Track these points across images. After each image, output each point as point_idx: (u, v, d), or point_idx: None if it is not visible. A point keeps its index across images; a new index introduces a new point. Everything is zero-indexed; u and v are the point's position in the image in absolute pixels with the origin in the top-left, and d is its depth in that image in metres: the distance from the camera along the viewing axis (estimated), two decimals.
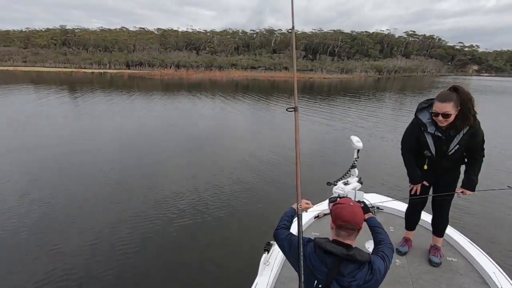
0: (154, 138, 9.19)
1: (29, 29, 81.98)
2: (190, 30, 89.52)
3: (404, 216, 2.72)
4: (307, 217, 2.94)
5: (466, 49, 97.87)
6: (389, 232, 2.86)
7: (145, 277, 3.30)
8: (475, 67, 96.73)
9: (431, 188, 2.44)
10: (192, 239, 4.02)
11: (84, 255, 3.64)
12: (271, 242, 2.35)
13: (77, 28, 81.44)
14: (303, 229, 2.82)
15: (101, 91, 22.13)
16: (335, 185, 3.28)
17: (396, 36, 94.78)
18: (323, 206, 3.07)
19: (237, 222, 4.48)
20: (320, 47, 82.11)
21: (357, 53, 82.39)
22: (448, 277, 2.24)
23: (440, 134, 2.13)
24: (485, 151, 2.18)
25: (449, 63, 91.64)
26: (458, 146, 2.10)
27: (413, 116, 2.29)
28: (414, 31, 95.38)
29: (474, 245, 2.51)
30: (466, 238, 2.61)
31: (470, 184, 2.22)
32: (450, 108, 1.98)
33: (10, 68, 50.03)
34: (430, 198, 2.48)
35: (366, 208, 1.79)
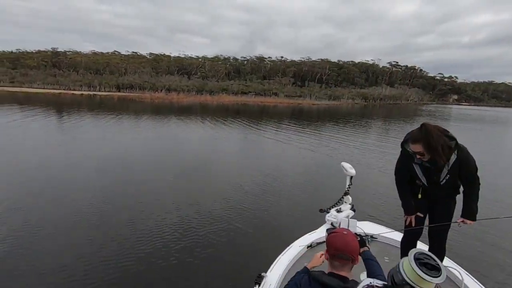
0: (140, 164, 8.88)
1: (20, 51, 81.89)
2: (182, 56, 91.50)
3: (399, 246, 2.64)
4: (298, 247, 2.81)
5: (445, 79, 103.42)
6: (384, 262, 2.75)
7: None
8: (455, 97, 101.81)
9: (427, 217, 2.39)
10: (178, 270, 3.76)
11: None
12: (262, 274, 2.22)
13: (69, 51, 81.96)
14: (294, 261, 2.69)
15: (89, 113, 21.85)
16: (328, 212, 3.21)
17: (381, 66, 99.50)
18: (317, 234, 2.96)
19: (226, 252, 4.24)
20: (308, 74, 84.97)
21: (344, 81, 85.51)
22: None
23: (428, 165, 2.13)
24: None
25: (431, 92, 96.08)
26: (448, 175, 2.09)
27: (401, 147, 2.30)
28: (397, 62, 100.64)
29: (472, 277, 2.42)
30: (463, 269, 2.52)
31: (470, 213, 2.18)
32: (420, 147, 2.04)
33: None
34: (426, 227, 2.42)
35: (362, 242, 1.74)
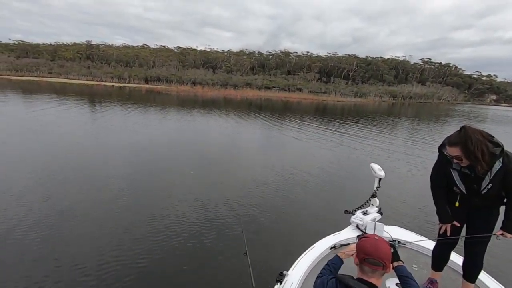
0: (164, 156, 9.12)
1: (57, 43, 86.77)
2: (208, 49, 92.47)
3: (429, 254, 2.51)
4: (321, 248, 2.76)
5: (483, 78, 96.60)
6: (412, 270, 2.63)
7: None
8: (493, 97, 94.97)
9: (464, 227, 2.24)
10: (198, 264, 3.84)
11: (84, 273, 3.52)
12: (284, 272, 2.21)
13: (102, 44, 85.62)
14: (316, 262, 2.64)
15: (119, 104, 22.76)
16: (354, 214, 3.11)
17: (412, 62, 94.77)
18: (341, 236, 2.89)
19: (248, 248, 4.24)
20: (334, 70, 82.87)
21: (371, 77, 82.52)
22: None
23: (467, 171, 1.96)
24: None
25: (466, 91, 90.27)
26: (491, 184, 1.92)
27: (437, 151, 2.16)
28: (430, 58, 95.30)
29: None
30: (503, 286, 2.35)
31: (511, 226, 2.01)
32: (457, 151, 1.89)
33: (36, 79, 52.49)
34: (462, 238, 2.27)
35: (395, 255, 1.66)
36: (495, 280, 2.39)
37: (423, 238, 2.75)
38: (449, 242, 2.26)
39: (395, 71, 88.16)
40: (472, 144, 1.82)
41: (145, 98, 30.85)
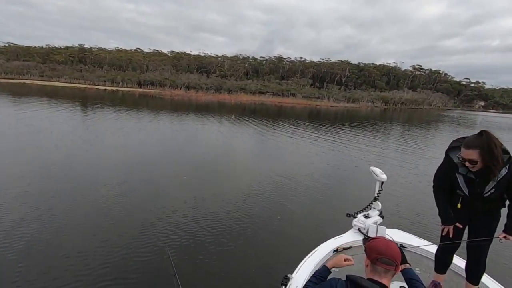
0: (157, 161, 8.97)
1: (49, 46, 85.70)
2: (202, 54, 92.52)
3: (432, 257, 2.51)
4: (324, 251, 2.75)
5: (472, 85, 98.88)
6: (415, 273, 2.64)
7: None
8: (482, 103, 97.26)
9: (466, 230, 2.25)
10: (203, 272, 3.76)
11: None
12: (289, 275, 2.19)
13: (95, 47, 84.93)
14: (319, 264, 2.62)
15: (111, 108, 22.52)
16: (355, 217, 3.11)
17: (403, 69, 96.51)
18: (343, 239, 2.88)
19: (252, 253, 4.21)
20: (327, 76, 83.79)
21: (363, 83, 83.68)
22: None
23: (472, 176, 1.98)
24: None
25: (455, 97, 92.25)
26: (494, 189, 1.94)
27: (444, 154, 2.17)
28: (421, 65, 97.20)
29: None
30: None
31: None
32: (475, 155, 1.87)
33: (27, 82, 51.67)
34: (464, 241, 2.28)
35: (403, 257, 1.66)
36: (498, 283, 2.41)
37: (425, 241, 2.76)
38: (452, 245, 2.27)
39: (387, 77, 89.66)
40: (496, 149, 1.83)
41: (138, 102, 30.62)
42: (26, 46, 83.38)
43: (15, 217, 4.65)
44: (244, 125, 18.42)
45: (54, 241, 4.12)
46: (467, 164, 1.94)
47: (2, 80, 50.66)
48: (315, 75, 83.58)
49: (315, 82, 79.78)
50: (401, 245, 3.03)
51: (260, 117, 24.72)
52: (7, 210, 4.87)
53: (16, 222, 4.52)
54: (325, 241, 2.87)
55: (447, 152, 2.12)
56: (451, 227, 2.20)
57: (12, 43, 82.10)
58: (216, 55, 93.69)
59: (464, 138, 2.06)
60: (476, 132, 1.95)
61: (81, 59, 76.65)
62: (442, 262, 2.39)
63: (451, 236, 2.21)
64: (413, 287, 1.51)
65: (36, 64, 67.65)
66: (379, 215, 3.23)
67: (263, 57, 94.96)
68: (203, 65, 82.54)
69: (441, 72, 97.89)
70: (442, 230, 2.26)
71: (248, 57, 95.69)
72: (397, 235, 2.95)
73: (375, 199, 3.19)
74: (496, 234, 2.14)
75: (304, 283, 1.60)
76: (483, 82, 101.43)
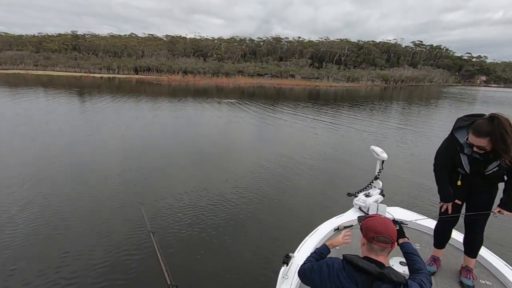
0: (156, 147, 8.99)
1: (42, 34, 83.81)
2: (198, 37, 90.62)
3: (431, 233, 2.56)
4: (325, 230, 2.80)
5: (474, 59, 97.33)
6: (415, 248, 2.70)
7: None
8: (483, 78, 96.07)
9: (464, 205, 2.28)
10: (206, 251, 3.85)
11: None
12: (290, 254, 2.25)
13: (88, 34, 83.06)
14: (321, 243, 2.68)
15: (109, 96, 22.33)
16: (356, 196, 3.15)
17: (403, 45, 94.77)
18: (344, 218, 2.93)
19: (254, 233, 4.29)
20: (326, 55, 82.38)
21: (363, 62, 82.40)
22: None
23: (478, 156, 1.96)
24: None
25: (457, 73, 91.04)
26: (497, 168, 1.94)
27: (449, 132, 2.12)
28: (421, 41, 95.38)
29: (511, 267, 2.33)
30: (502, 260, 2.43)
31: (509, 203, 2.05)
32: (485, 143, 1.82)
33: (22, 72, 50.98)
34: (463, 215, 2.32)
35: (401, 232, 1.69)
36: (495, 255, 2.47)
37: (425, 217, 2.81)
38: (450, 220, 2.31)
39: (387, 55, 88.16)
40: (509, 136, 1.75)
41: (136, 89, 30.32)
42: (18, 35, 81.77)
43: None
44: (243, 109, 18.32)
45: (57, 228, 4.20)
46: (475, 149, 1.90)
47: None
48: (313, 55, 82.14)
49: (314, 62, 78.56)
50: (402, 222, 3.09)
51: (259, 100, 24.54)
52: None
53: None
54: (327, 220, 2.92)
55: (452, 132, 2.08)
56: (450, 204, 2.23)
57: (3, 32, 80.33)
58: (213, 37, 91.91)
59: (470, 116, 2.01)
60: (477, 108, 1.92)
61: (74, 46, 75.21)
62: (440, 237, 2.44)
63: (450, 212, 2.25)
64: (411, 261, 1.54)
65: (30, 53, 66.49)
66: (380, 194, 3.27)
67: (261, 38, 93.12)
68: (200, 49, 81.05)
69: (442, 47, 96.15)
70: (441, 207, 2.29)
71: (245, 38, 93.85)
72: (397, 213, 3.00)
73: (376, 178, 3.22)
74: (492, 209, 2.17)
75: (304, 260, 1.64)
76: (485, 56, 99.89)
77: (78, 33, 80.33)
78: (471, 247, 2.31)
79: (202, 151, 8.62)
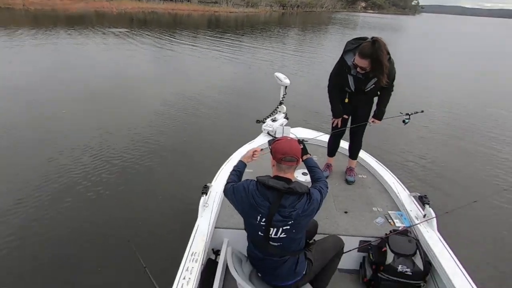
0: (30, 90, 7.31)
1: None
2: None
3: (325, 145, 3.03)
4: (239, 157, 2.97)
5: None
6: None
7: (72, 240, 2.91)
8: (363, 4, 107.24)
9: (350, 119, 2.71)
10: (123, 193, 3.67)
11: None
12: (208, 184, 2.35)
13: None
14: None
15: None
16: (264, 122, 3.36)
17: None
18: (255, 144, 3.14)
19: (167, 173, 4.21)
20: None
21: None
22: (360, 191, 2.68)
23: (360, 76, 2.27)
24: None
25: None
26: (374, 85, 2.30)
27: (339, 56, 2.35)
28: None
29: (379, 162, 3.03)
30: (374, 158, 3.11)
31: (379, 114, 2.55)
32: (366, 64, 2.10)
33: None
34: (349, 127, 2.78)
35: (305, 150, 1.90)
36: (369, 155, 3.14)
37: (321, 133, 3.26)
38: (339, 133, 2.76)
39: None
40: (384, 58, 2.03)
41: None
42: None
43: None
44: (135, 41, 15.90)
45: None
46: (358, 69, 2.18)
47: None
48: None
49: None
50: (303, 140, 3.52)
51: (153, 28, 21.56)
52: None
53: None
54: (239, 148, 3.08)
55: (342, 55, 2.31)
56: (340, 120, 2.62)
57: None
58: None
59: (358, 39, 2.24)
60: (358, 33, 2.13)
61: None
62: (332, 147, 2.94)
63: (339, 126, 2.67)
64: (312, 173, 1.82)
65: None
66: (284, 117, 3.57)
67: None
68: None
69: None
70: (333, 122, 2.68)
71: None
72: (300, 132, 3.39)
73: (280, 103, 3.45)
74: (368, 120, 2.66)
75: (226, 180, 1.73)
76: None
77: None
78: (353, 152, 2.87)
79: (88, 94, 7.31)
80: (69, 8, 33.54)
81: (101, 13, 32.20)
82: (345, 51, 2.27)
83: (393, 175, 2.81)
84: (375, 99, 2.56)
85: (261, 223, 1.45)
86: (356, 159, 2.90)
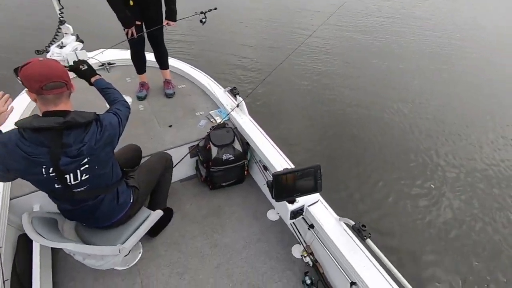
0: None
1: None
2: None
3: (130, 63, 2.70)
4: None
5: None
6: (127, 83, 2.86)
7: None
8: None
9: (143, 25, 2.39)
10: None
11: None
12: None
13: None
14: None
15: None
16: (48, 51, 2.59)
17: None
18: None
19: None
20: None
21: None
22: (181, 101, 2.66)
23: None
24: None
25: None
26: None
27: None
28: None
29: (193, 67, 3.03)
30: (188, 64, 3.06)
31: (172, 15, 2.36)
32: None
33: None
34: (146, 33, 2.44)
35: (91, 70, 1.61)
36: (184, 62, 3.06)
37: (125, 51, 2.85)
38: (138, 42, 2.45)
39: None
40: None
41: None
42: None
43: None
44: None
45: None
46: None
47: None
48: None
49: None
50: (109, 64, 3.04)
51: None
52: None
53: None
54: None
55: None
56: (133, 28, 2.29)
57: None
58: None
59: None
60: None
61: None
62: (137, 62, 2.64)
63: (135, 35, 2.33)
64: (106, 95, 1.56)
65: None
66: (77, 40, 2.84)
67: None
68: None
69: None
70: (127, 33, 2.33)
71: None
72: (102, 56, 2.87)
73: (61, 22, 2.65)
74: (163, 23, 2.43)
75: None
76: None
77: None
78: (161, 60, 2.70)
79: None
80: None
81: None
82: None
83: (207, 76, 2.90)
84: None
85: (50, 174, 1.17)
86: (167, 68, 2.76)
